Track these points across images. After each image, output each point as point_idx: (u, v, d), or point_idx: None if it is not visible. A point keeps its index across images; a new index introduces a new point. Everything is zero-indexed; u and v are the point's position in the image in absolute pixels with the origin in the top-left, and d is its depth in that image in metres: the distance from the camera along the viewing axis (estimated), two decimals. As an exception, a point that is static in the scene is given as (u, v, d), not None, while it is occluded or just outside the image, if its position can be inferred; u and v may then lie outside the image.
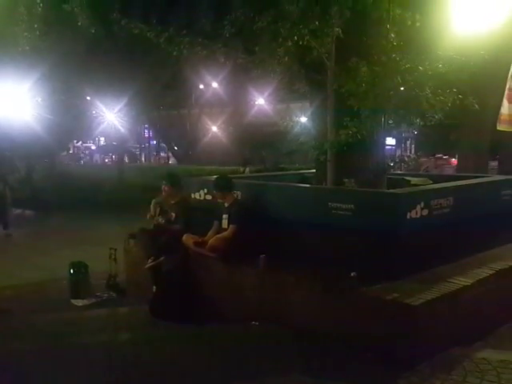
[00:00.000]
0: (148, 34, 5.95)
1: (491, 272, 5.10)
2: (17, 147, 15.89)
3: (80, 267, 6.82)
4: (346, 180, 5.72)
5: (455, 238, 5.30)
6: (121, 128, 22.77)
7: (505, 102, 6.52)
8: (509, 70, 6.52)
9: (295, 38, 5.43)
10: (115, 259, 6.96)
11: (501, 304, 5.13)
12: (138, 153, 49.12)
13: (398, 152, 30.47)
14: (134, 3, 6.68)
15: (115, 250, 6.97)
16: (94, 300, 6.65)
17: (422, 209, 4.94)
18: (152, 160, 48.66)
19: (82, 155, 46.96)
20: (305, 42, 5.46)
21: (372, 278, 4.62)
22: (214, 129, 37.91)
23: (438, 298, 4.43)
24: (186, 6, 6.09)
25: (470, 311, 4.71)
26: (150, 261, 6.12)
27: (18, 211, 11.55)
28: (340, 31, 5.42)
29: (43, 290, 7.12)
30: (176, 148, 40.90)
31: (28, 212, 11.87)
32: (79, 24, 6.79)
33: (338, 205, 5.11)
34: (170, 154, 44.43)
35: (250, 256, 5.37)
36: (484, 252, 5.63)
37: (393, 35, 5.46)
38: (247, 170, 16.29)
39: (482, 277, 4.96)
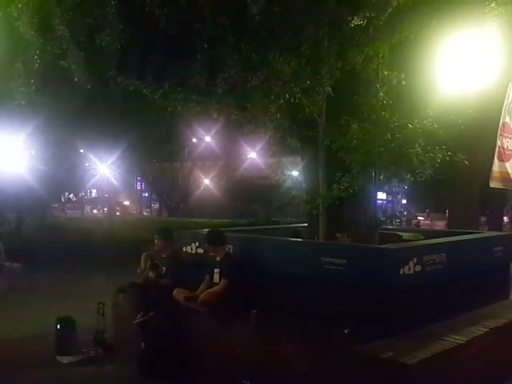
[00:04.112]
0: (143, 91, 6.08)
1: (486, 330, 5.07)
2: (8, 199, 15.86)
3: (67, 322, 6.64)
4: (339, 235, 5.73)
5: (448, 294, 5.29)
6: (113, 180, 22.87)
7: (495, 160, 6.69)
8: (497, 126, 6.71)
9: (287, 95, 5.58)
10: (103, 314, 6.81)
11: (496, 362, 5.05)
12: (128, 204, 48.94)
13: (389, 206, 30.66)
14: (130, 61, 6.86)
15: (103, 304, 6.83)
16: (80, 357, 6.43)
17: (415, 265, 4.93)
18: (144, 212, 48.48)
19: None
20: (296, 100, 5.60)
21: (365, 335, 4.55)
22: (206, 182, 38.12)
23: (432, 356, 4.37)
24: (180, 63, 6.30)
25: (465, 370, 4.64)
26: (139, 316, 5.99)
27: (7, 264, 11.39)
28: (330, 90, 5.59)
29: (27, 345, 6.89)
30: (168, 200, 40.93)
31: (16, 265, 11.71)
32: (75, 80, 6.93)
33: (331, 260, 5.08)
34: (162, 207, 44.39)
35: (242, 311, 5.30)
36: (478, 309, 5.61)
37: (382, 94, 5.63)
38: None
39: (476, 335, 4.93)
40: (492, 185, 6.86)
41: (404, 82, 5.59)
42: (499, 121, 6.73)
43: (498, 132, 6.69)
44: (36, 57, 6.90)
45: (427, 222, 28.66)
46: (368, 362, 4.39)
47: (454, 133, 5.49)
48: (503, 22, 5.41)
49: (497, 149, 6.73)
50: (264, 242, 6.17)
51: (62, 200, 37.79)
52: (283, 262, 5.57)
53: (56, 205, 34.38)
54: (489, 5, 5.26)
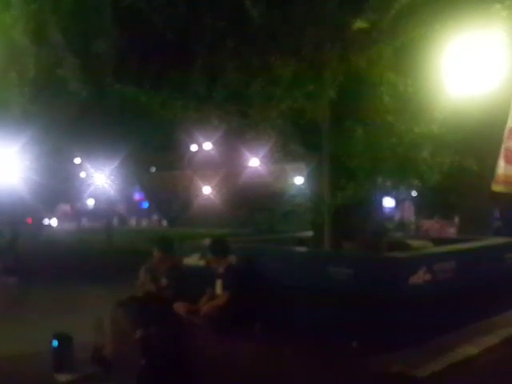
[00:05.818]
0: (142, 98, 5.99)
1: (498, 339, 4.99)
2: (2, 212, 15.75)
3: (64, 339, 6.49)
4: (345, 243, 5.64)
5: (459, 303, 5.17)
6: (111, 190, 22.80)
7: (501, 162, 6.52)
8: (504, 130, 6.58)
9: (289, 100, 5.49)
10: (101, 330, 6.65)
11: (510, 372, 4.90)
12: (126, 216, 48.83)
13: (397, 214, 30.39)
14: (128, 68, 6.74)
15: (102, 319, 6.68)
16: (77, 375, 6.27)
17: (424, 273, 4.83)
18: (143, 223, 48.38)
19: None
20: (299, 105, 5.51)
21: (374, 347, 4.45)
22: (207, 190, 38.04)
23: (444, 368, 4.28)
24: (179, 70, 6.19)
25: (478, 381, 4.48)
26: (138, 331, 5.83)
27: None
28: (334, 94, 5.49)
29: (23, 363, 6.73)
30: (167, 210, 40.90)
31: (11, 278, 11.58)
32: (72, 88, 6.81)
33: (337, 269, 4.99)
34: (162, 217, 44.33)
35: (245, 324, 5.19)
36: (490, 318, 5.50)
37: (387, 98, 5.53)
38: None
39: (489, 345, 4.84)
40: (495, 188, 6.69)
41: (410, 89, 5.50)
42: (506, 123, 6.61)
43: (506, 134, 6.54)
44: (31, 65, 6.81)
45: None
46: (377, 375, 4.27)
47: (461, 136, 5.41)
48: (509, 23, 5.33)
49: (503, 151, 6.56)
50: (267, 251, 6.09)
51: (58, 211, 37.76)
52: (288, 272, 5.48)
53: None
54: (493, 6, 5.19)
